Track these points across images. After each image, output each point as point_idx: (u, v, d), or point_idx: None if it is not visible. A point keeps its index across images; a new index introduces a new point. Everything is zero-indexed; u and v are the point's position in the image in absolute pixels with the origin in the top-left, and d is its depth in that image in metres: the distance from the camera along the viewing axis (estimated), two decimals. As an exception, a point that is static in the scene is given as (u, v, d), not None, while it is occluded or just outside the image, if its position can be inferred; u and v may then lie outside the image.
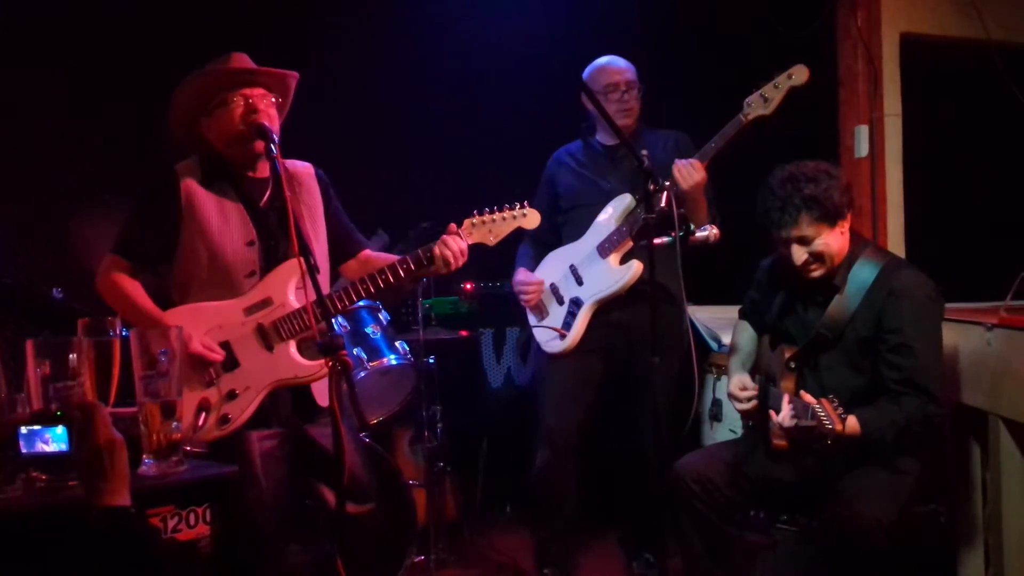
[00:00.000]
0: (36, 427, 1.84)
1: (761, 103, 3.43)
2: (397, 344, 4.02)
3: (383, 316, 4.06)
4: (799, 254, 3.01)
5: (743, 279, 3.52)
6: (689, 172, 3.46)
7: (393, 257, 2.99)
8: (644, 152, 2.94)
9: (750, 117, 3.45)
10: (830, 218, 2.97)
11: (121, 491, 1.74)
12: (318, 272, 2.58)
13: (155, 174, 2.93)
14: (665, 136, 3.89)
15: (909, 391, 2.90)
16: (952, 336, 3.31)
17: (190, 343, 2.74)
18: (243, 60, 2.91)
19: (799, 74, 3.41)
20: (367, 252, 3.15)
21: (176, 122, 2.90)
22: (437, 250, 2.88)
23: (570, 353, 3.78)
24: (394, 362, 3.94)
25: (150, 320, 2.80)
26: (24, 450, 1.85)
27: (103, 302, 2.89)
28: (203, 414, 2.74)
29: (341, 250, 3.11)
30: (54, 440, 1.83)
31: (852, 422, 2.83)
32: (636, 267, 3.63)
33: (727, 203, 3.76)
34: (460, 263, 2.91)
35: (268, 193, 2.92)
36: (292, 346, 2.86)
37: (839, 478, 2.98)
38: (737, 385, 3.22)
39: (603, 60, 3.88)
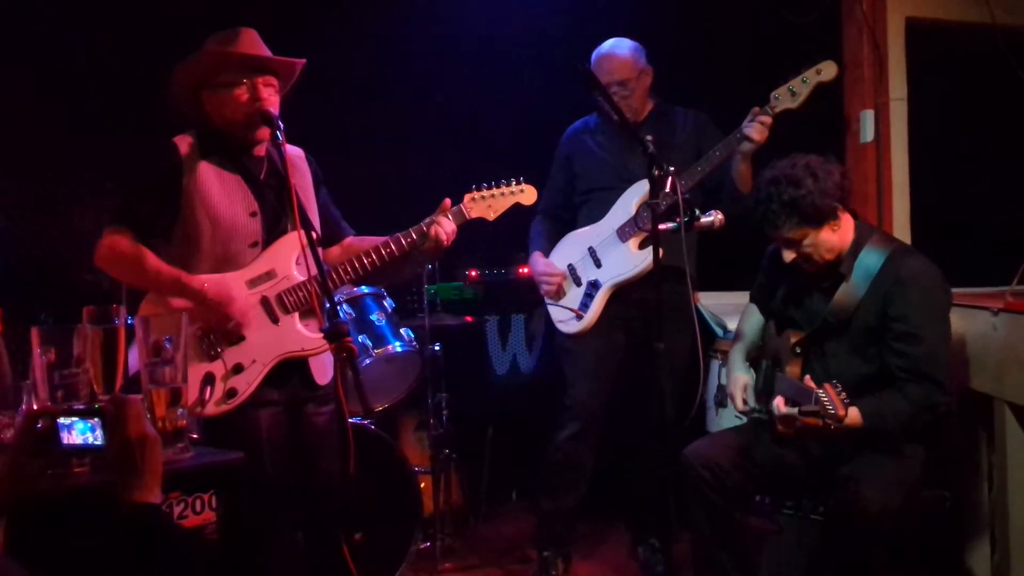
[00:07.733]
0: (74, 419, 1.82)
1: (789, 97, 3.47)
2: (402, 331, 4.01)
3: (388, 303, 4.04)
4: (787, 254, 3.04)
5: (749, 265, 3.51)
6: (763, 129, 3.48)
7: (377, 240, 2.97)
8: (649, 137, 2.93)
9: (776, 110, 3.48)
10: (812, 221, 2.95)
11: (152, 488, 1.71)
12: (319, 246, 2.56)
13: (153, 145, 2.88)
14: (683, 114, 3.88)
15: (915, 380, 2.89)
16: (958, 321, 3.30)
17: (232, 299, 2.74)
18: (251, 38, 2.86)
19: (828, 70, 3.46)
20: (350, 239, 3.13)
21: (177, 93, 2.87)
22: (431, 230, 2.90)
23: (591, 330, 3.80)
24: (399, 349, 3.93)
25: (170, 280, 2.74)
26: (64, 442, 1.83)
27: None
28: (208, 388, 2.72)
29: (326, 235, 3.08)
30: (79, 433, 1.81)
31: (854, 413, 2.81)
32: None
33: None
34: (450, 241, 2.93)
35: (265, 169, 2.91)
36: (297, 319, 2.86)
37: (845, 463, 2.98)
38: (740, 393, 3.24)
39: (604, 50, 3.82)
